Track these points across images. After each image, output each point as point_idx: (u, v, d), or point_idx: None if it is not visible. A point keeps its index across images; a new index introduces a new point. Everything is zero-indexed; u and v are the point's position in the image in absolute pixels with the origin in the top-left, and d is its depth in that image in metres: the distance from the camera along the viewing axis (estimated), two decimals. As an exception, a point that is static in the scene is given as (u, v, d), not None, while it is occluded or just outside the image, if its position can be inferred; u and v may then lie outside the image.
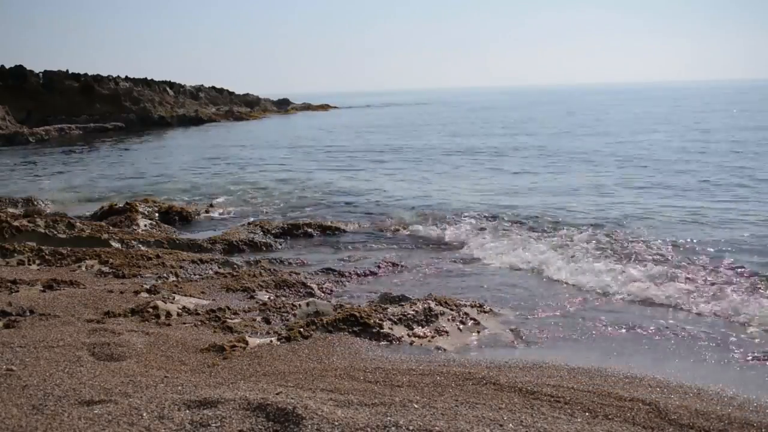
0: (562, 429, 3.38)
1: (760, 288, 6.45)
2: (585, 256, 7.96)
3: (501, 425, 3.37)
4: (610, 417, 3.61)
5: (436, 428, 3.24)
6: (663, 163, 16.91)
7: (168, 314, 5.50)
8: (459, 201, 12.31)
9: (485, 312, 5.94)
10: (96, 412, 3.35)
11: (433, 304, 5.79)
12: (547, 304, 6.28)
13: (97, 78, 39.80)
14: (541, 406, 3.71)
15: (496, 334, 5.46)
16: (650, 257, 7.81)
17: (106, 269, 7.22)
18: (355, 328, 5.27)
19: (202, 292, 6.39)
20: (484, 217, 10.62)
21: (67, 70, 38.81)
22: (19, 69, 36.98)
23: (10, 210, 11.14)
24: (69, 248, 8.04)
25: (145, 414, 3.33)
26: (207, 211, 11.54)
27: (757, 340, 5.26)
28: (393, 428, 3.22)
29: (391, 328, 5.30)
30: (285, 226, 9.82)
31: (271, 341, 4.97)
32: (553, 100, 78.61)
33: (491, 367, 4.43)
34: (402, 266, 7.79)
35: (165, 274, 7.07)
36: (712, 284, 6.68)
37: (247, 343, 4.82)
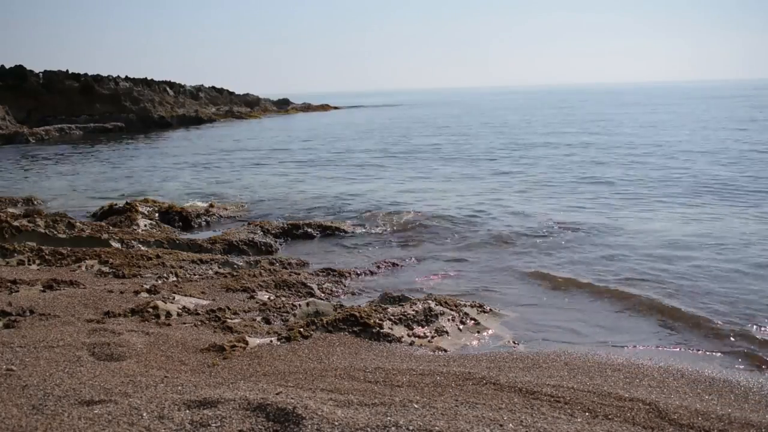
0: (562, 429, 3.38)
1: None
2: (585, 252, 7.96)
3: (501, 425, 3.36)
4: (610, 417, 3.61)
5: (436, 428, 3.23)
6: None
7: (168, 314, 5.49)
8: (460, 202, 12.32)
9: (485, 312, 5.94)
10: (96, 412, 3.35)
11: (433, 304, 5.79)
12: (547, 304, 6.28)
13: (97, 78, 39.80)
14: (541, 406, 3.71)
15: (496, 334, 5.46)
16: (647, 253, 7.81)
17: (106, 269, 7.22)
18: (355, 328, 5.26)
19: (202, 292, 6.39)
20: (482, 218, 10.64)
21: (67, 70, 38.83)
22: (19, 69, 36.98)
23: (10, 210, 11.14)
24: (69, 248, 8.03)
25: (145, 414, 3.33)
26: (207, 211, 11.53)
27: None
28: (393, 428, 3.22)
29: (391, 328, 5.29)
30: (285, 226, 9.82)
31: (271, 341, 4.97)
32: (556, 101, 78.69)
33: (491, 367, 4.43)
34: (402, 266, 7.79)
35: (165, 274, 7.06)
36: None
37: (247, 343, 4.82)
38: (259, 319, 5.60)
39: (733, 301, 6.17)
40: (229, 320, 5.49)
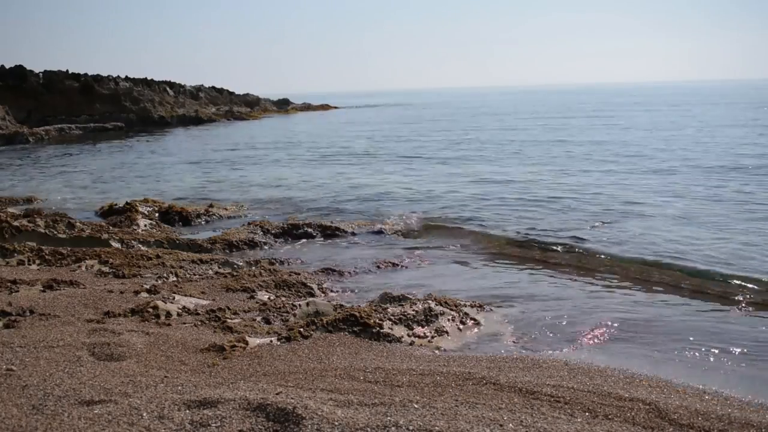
0: (562, 429, 3.38)
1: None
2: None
3: (501, 425, 3.36)
4: (610, 417, 3.61)
5: (436, 428, 3.23)
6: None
7: (168, 314, 5.50)
8: (460, 201, 12.32)
9: (485, 312, 5.94)
10: (96, 412, 3.35)
11: (433, 304, 5.79)
12: (547, 304, 6.28)
13: (97, 78, 39.81)
14: (541, 406, 3.71)
15: (496, 334, 5.45)
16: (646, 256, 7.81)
17: (106, 269, 7.22)
18: (355, 328, 5.26)
19: (202, 292, 6.39)
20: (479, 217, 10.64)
21: (67, 70, 38.84)
22: (19, 69, 36.98)
23: (10, 210, 11.14)
24: (69, 248, 8.04)
25: (145, 414, 3.33)
26: (207, 211, 11.53)
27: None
28: (393, 428, 3.21)
29: (391, 328, 5.29)
30: (285, 226, 9.82)
31: (271, 341, 4.97)
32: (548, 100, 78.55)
33: (491, 367, 4.43)
34: (401, 266, 7.79)
35: (165, 274, 7.06)
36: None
37: (247, 343, 4.82)
38: (259, 319, 5.60)
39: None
40: (229, 320, 5.49)
